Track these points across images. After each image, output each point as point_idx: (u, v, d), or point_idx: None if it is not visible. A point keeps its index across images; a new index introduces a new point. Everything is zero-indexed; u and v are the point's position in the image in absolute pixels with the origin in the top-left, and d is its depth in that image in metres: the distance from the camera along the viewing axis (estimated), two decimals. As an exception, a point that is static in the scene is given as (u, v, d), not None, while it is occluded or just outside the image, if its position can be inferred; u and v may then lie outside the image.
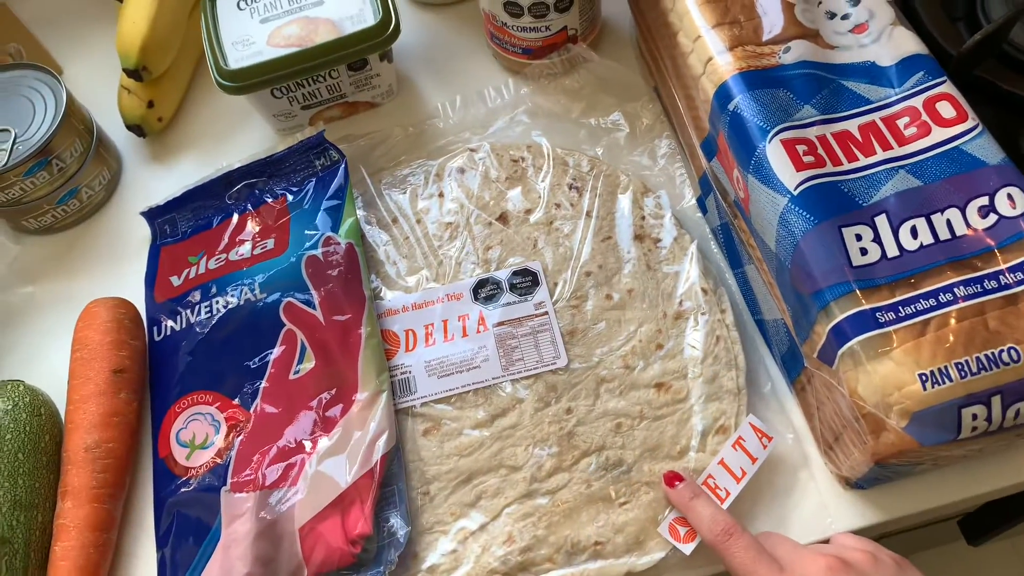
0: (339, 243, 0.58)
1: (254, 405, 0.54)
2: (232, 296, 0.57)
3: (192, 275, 0.60)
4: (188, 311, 0.58)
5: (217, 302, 0.57)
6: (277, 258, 0.58)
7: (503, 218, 0.60)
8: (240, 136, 0.69)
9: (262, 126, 0.69)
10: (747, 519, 0.49)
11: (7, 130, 0.60)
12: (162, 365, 0.57)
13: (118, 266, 0.64)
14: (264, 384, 0.54)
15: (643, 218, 0.59)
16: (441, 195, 0.62)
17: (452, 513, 0.50)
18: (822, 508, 0.49)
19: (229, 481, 0.52)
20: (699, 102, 0.54)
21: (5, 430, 0.51)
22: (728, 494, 0.49)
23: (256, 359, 0.55)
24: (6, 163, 0.59)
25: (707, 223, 0.59)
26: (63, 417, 0.55)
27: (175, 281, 0.60)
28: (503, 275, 0.57)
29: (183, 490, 0.53)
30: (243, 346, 0.56)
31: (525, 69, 0.66)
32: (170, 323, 0.58)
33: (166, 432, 0.55)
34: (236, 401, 0.54)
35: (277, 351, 0.55)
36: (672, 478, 0.49)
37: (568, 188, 0.61)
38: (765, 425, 0.51)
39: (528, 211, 0.60)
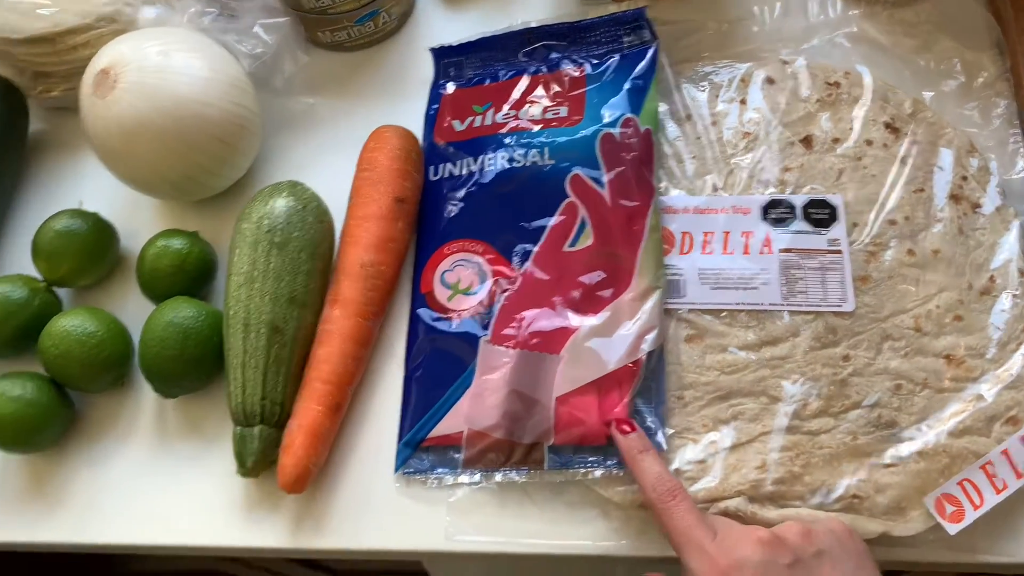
0: (638, 127, 0.55)
1: (524, 266, 0.53)
2: (517, 155, 0.56)
3: (477, 124, 0.59)
4: (469, 158, 0.58)
5: (501, 156, 0.57)
6: (569, 127, 0.57)
7: (807, 141, 0.56)
8: (536, -5, 0.67)
9: (560, -11, 0.66)
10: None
11: (333, -65, 0.60)
12: (434, 205, 0.57)
13: (397, 98, 0.64)
14: (537, 249, 0.54)
15: (964, 178, 0.54)
16: (743, 102, 0.58)
17: (704, 425, 0.49)
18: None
19: (490, 332, 0.52)
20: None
21: (293, 227, 0.53)
22: (1005, 486, 0.46)
23: (532, 222, 0.54)
24: (327, -31, 0.59)
25: (1036, 201, 0.54)
26: (337, 229, 0.56)
27: (457, 126, 0.60)
28: (799, 200, 0.54)
29: (441, 328, 0.54)
30: (521, 206, 0.55)
31: (862, -11, 0.61)
32: (449, 166, 0.58)
33: (430, 270, 0.55)
34: (506, 258, 0.54)
35: (555, 219, 0.54)
36: (622, 422, 0.48)
37: (884, 127, 0.56)
38: (1057, 428, 0.47)
39: (836, 140, 0.56)
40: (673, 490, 0.44)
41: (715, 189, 0.56)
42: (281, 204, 0.53)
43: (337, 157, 0.61)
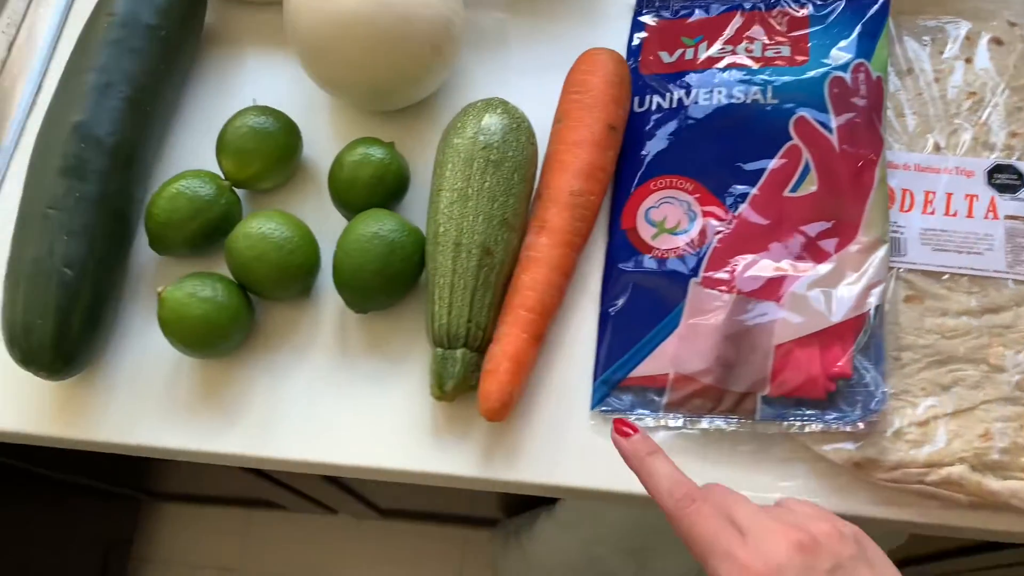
0: (870, 73, 0.53)
1: (739, 209, 0.51)
2: (737, 91, 0.54)
3: (688, 57, 0.56)
4: (680, 92, 0.55)
5: (718, 92, 0.54)
6: (794, 68, 0.54)
7: (1036, 108, 0.54)
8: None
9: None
10: None
11: None
12: (637, 137, 0.55)
13: (592, 23, 0.60)
14: (755, 192, 0.51)
15: None
16: (968, 61, 0.55)
17: (923, 388, 0.48)
18: None
19: (701, 275, 0.50)
20: None
21: (508, 146, 0.50)
22: None
23: (749, 163, 0.52)
24: None
25: None
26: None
27: (665, 58, 0.57)
28: (1028, 168, 0.52)
29: (645, 267, 0.51)
30: (737, 146, 0.53)
31: (1103, -48, 0.58)
32: (656, 98, 0.55)
33: (634, 205, 0.53)
34: (718, 198, 0.52)
35: (776, 162, 0.52)
36: (622, 425, 0.43)
37: (1119, 100, 0.54)
38: None
39: (1067, 110, 0.54)
40: (691, 494, 0.40)
41: (937, 148, 0.53)
42: (496, 121, 0.50)
43: (527, 79, 0.58)
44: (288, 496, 1.07)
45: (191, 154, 0.57)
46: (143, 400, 0.52)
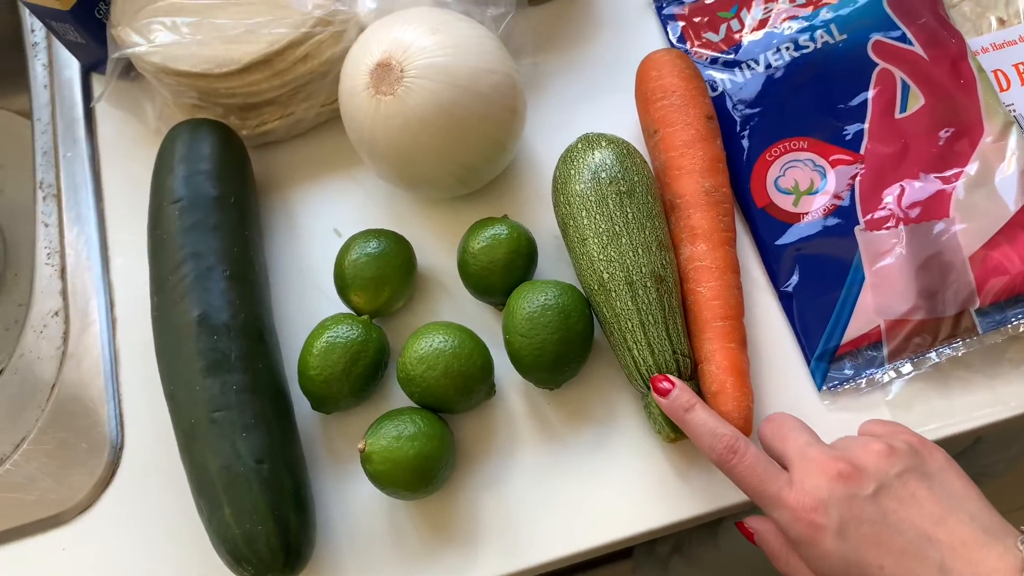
0: (918, -24, 0.54)
1: (862, 146, 0.51)
2: (803, 41, 0.54)
3: (736, 28, 0.56)
4: (749, 62, 0.55)
5: (785, 49, 0.54)
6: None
7: (1067, -45, 0.56)
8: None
9: None
10: None
11: None
12: (727, 121, 0.54)
13: (619, 36, 0.60)
14: (867, 126, 0.51)
15: None
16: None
17: (1116, 239, 0.48)
18: None
19: (862, 220, 0.50)
20: None
21: (632, 172, 0.49)
22: None
23: (849, 102, 0.52)
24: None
25: None
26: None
27: (714, 38, 0.57)
28: (1092, 9, 0.54)
29: (800, 235, 0.50)
30: (828, 90, 0.53)
31: None
32: (726, 77, 0.55)
33: (759, 182, 0.52)
34: (837, 145, 0.51)
35: (872, 92, 0.52)
36: (659, 382, 0.44)
37: None
38: None
39: (1094, -54, 0.56)
40: (731, 446, 0.40)
41: (1002, 23, 0.55)
42: (607, 154, 0.49)
43: (583, 110, 0.57)
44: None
45: (302, 305, 0.54)
46: (378, 563, 0.48)
